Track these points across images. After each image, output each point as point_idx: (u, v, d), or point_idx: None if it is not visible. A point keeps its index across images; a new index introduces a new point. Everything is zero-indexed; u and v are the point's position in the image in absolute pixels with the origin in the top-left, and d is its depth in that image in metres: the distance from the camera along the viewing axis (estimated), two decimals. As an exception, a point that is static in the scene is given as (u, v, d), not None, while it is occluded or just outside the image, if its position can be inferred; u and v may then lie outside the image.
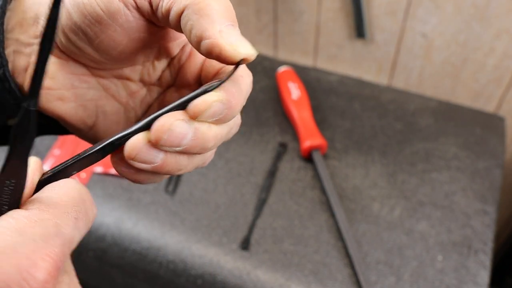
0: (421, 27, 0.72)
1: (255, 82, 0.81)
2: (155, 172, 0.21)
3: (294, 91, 0.74)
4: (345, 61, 0.82)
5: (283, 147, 0.70)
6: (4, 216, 0.18)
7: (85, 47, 0.22)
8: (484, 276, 0.55)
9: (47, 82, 0.23)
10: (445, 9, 0.68)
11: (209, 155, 0.24)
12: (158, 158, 0.20)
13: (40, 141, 0.71)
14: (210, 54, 0.20)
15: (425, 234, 0.59)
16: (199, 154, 0.22)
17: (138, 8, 0.22)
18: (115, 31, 0.22)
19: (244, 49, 0.20)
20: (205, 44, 0.20)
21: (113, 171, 0.67)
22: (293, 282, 0.55)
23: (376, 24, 0.74)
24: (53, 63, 0.23)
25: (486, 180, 0.65)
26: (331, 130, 0.72)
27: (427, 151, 0.69)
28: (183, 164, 0.22)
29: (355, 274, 0.56)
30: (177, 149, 0.20)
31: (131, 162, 0.20)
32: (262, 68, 0.84)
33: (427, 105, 0.76)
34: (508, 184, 0.84)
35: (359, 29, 0.75)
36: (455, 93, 0.78)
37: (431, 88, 0.79)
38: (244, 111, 0.75)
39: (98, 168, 0.67)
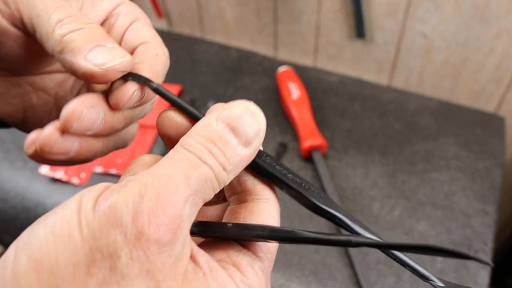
0: (421, 27, 0.72)
1: (255, 82, 0.81)
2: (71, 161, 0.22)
3: (294, 91, 0.74)
4: (345, 61, 0.82)
5: (283, 147, 0.70)
6: None
7: None
8: (484, 276, 0.55)
9: None
10: (445, 9, 0.68)
11: (130, 136, 0.25)
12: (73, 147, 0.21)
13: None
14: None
15: (425, 234, 0.59)
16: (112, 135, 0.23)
17: (25, 27, 0.22)
18: (11, 46, 0.23)
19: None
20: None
21: (113, 171, 0.67)
22: (293, 282, 0.55)
23: (376, 24, 0.74)
24: None
25: (486, 180, 0.65)
26: (331, 130, 0.72)
27: (427, 151, 0.69)
28: (97, 148, 0.22)
29: (355, 274, 0.56)
30: (89, 132, 0.21)
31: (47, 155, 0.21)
32: (262, 68, 0.84)
33: (427, 105, 0.76)
34: (508, 184, 0.84)
35: (359, 29, 0.75)
36: (455, 93, 0.78)
37: (431, 88, 0.79)
38: (244, 111, 0.75)
39: (98, 168, 0.67)
